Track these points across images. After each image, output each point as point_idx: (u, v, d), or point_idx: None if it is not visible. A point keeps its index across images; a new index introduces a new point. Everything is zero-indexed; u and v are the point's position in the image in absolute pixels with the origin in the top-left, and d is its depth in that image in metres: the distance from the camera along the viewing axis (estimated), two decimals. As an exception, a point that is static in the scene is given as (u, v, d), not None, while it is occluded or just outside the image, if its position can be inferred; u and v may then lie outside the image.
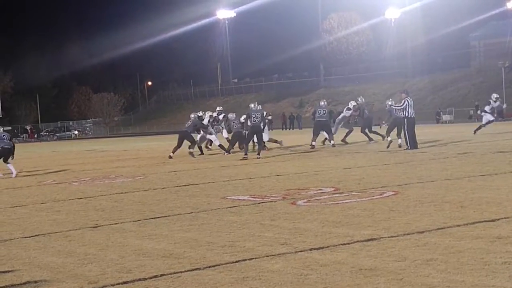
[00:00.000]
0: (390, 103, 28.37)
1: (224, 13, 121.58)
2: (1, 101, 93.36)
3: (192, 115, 28.12)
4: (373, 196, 12.22)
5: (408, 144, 24.78)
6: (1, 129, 23.55)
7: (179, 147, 27.20)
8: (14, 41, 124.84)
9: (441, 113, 77.43)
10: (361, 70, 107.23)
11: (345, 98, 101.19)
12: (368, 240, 8.17)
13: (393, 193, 12.50)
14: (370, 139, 30.49)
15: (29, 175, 22.74)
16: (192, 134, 27.82)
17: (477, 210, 9.93)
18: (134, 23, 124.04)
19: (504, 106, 33.27)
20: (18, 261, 8.14)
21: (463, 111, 79.35)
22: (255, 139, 26.20)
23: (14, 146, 23.19)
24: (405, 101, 25.12)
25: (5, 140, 22.60)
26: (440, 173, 15.92)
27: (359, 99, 31.74)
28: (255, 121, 25.23)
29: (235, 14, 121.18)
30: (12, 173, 22.47)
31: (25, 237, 9.85)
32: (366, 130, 30.85)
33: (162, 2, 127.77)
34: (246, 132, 26.41)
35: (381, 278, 6.39)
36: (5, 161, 22.72)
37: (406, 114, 24.90)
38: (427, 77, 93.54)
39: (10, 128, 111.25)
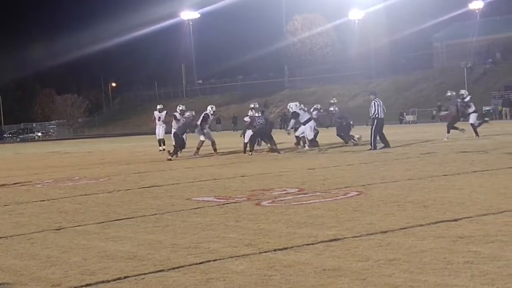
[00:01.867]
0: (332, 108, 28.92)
1: (188, 14, 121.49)
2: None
3: (187, 113, 27.68)
4: (337, 197, 12.26)
5: (372, 145, 24.95)
6: None
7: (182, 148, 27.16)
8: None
9: (404, 113, 78.03)
10: (325, 71, 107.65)
11: (309, 99, 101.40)
12: (332, 240, 8.19)
13: (357, 193, 12.56)
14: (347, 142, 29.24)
15: None
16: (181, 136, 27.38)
17: (440, 210, 10.00)
18: (98, 23, 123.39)
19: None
20: (-21, 265, 8.06)
21: (426, 112, 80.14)
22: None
23: None
24: (374, 102, 25.39)
25: None
26: (403, 173, 16.03)
27: (332, 101, 30.62)
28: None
29: (199, 15, 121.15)
30: None
31: (-13, 240, 9.75)
32: (343, 134, 29.29)
33: (126, 3, 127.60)
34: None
35: (344, 278, 6.41)
36: None
37: (376, 115, 25.12)
38: (390, 78, 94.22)
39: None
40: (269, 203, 11.97)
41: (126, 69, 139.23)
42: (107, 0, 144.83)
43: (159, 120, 33.18)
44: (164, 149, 31.50)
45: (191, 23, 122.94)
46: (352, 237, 8.32)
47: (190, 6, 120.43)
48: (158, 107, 33.97)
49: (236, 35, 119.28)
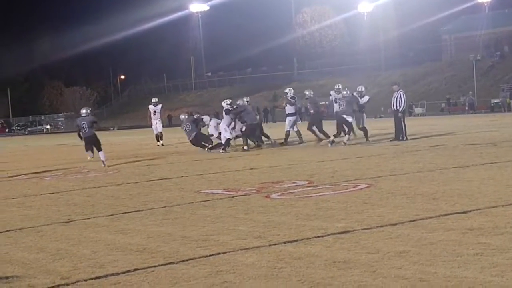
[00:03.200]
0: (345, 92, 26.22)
1: (197, 7, 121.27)
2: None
3: (240, 101, 26.89)
4: (347, 189, 12.25)
5: (405, 136, 25.03)
6: None
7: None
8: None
9: (414, 106, 77.87)
10: (334, 63, 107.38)
11: (318, 91, 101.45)
12: (342, 232, 8.18)
13: (366, 185, 12.54)
14: (320, 139, 26.74)
15: None
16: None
17: (449, 202, 9.99)
18: (106, 16, 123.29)
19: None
20: (-11, 257, 8.07)
21: (435, 104, 79.95)
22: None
23: None
24: (400, 94, 25.18)
25: None
26: (412, 165, 16.01)
27: (306, 92, 28.11)
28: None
29: (208, 8, 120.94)
30: None
31: (-4, 233, 9.77)
32: (314, 128, 26.92)
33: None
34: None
35: (354, 270, 6.40)
36: None
37: (404, 107, 25.14)
38: (399, 71, 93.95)
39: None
40: (278, 195, 11.97)
41: (135, 61, 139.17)
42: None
43: (154, 114, 32.38)
44: (162, 144, 31.31)
45: (200, 15, 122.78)
46: (362, 229, 8.30)
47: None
48: (153, 100, 33.18)
49: (245, 27, 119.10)
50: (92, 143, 22.26)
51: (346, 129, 24.72)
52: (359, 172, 15.05)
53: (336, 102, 26.70)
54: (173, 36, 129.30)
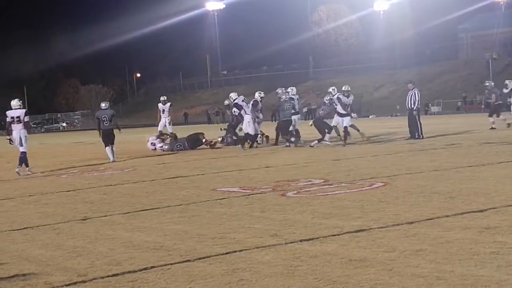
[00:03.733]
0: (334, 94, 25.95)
1: (213, 5, 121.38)
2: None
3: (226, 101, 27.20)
4: (363, 187, 12.23)
5: (421, 134, 25.19)
6: None
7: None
8: (0, 32, 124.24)
9: (430, 104, 77.65)
10: (350, 62, 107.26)
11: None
12: (358, 231, 8.17)
13: (382, 184, 12.52)
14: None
15: (15, 168, 22.60)
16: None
17: (465, 201, 9.96)
18: (123, 14, 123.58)
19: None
20: (6, 254, 8.10)
21: (451, 103, 79.71)
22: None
23: None
24: (415, 92, 25.15)
25: None
26: (428, 164, 15.96)
27: (289, 89, 27.73)
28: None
29: (224, 6, 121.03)
30: None
31: (13, 230, 9.81)
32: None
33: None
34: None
35: (370, 268, 6.40)
36: None
37: (419, 106, 25.07)
38: (415, 69, 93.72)
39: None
40: (294, 194, 11.97)
41: (151, 59, 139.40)
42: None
43: (163, 113, 31.62)
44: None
45: (216, 13, 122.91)
46: (378, 227, 8.30)
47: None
48: (162, 99, 32.59)
49: (261, 25, 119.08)
50: (109, 136, 23.21)
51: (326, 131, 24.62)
52: (375, 171, 15.03)
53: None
54: (189, 34, 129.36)
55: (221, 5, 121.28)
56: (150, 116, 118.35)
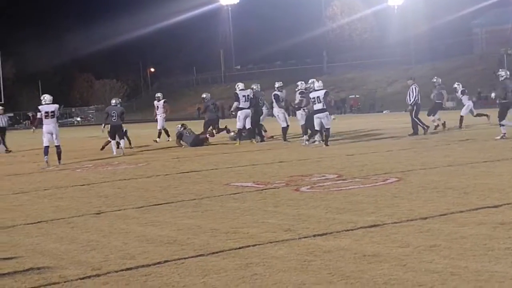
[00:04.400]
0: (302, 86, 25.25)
1: (227, 0, 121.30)
2: (3, 88, 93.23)
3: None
4: (376, 183, 12.22)
5: (424, 127, 25.28)
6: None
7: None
8: (15, 28, 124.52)
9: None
10: (364, 57, 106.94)
11: (347, 85, 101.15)
12: (372, 226, 8.17)
13: (396, 179, 12.50)
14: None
15: (31, 162, 22.74)
16: None
17: (480, 196, 9.94)
18: (137, 9, 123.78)
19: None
20: (20, 248, 8.14)
21: (466, 98, 79.29)
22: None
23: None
24: (414, 87, 25.24)
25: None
26: (442, 159, 15.93)
27: (254, 86, 27.14)
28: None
29: (238, 1, 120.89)
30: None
31: (28, 224, 9.85)
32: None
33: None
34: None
35: (384, 264, 6.39)
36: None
37: (417, 101, 25.04)
38: (429, 64, 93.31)
39: (12, 114, 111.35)
40: (308, 188, 11.96)
41: (165, 54, 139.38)
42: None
43: (157, 109, 31.28)
44: (156, 141, 30.15)
45: (229, 8, 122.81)
46: (392, 223, 8.28)
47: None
48: (157, 95, 32.31)
49: (275, 20, 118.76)
50: (116, 131, 24.03)
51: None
52: (389, 166, 15.00)
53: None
54: (203, 29, 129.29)
55: (235, 0, 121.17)
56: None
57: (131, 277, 6.52)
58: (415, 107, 25.32)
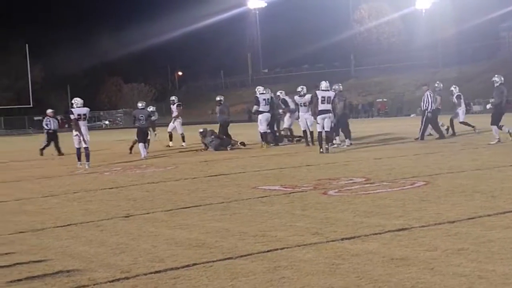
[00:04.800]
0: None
1: (255, 3, 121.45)
2: (32, 90, 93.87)
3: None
4: (404, 186, 12.20)
5: (420, 136, 25.45)
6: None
7: None
8: (45, 31, 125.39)
9: (471, 103, 76.93)
10: (391, 60, 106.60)
11: (375, 88, 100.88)
12: (399, 230, 8.16)
13: (424, 183, 12.47)
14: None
15: (60, 165, 22.90)
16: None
17: (508, 200, 9.90)
18: (164, 14, 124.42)
19: None
20: (50, 251, 8.21)
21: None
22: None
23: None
24: (428, 94, 25.31)
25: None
26: (470, 163, 15.86)
27: (278, 93, 28.03)
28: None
29: (266, 4, 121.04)
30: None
31: (57, 227, 9.93)
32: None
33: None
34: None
35: (412, 267, 6.40)
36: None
37: (431, 108, 25.02)
38: (456, 68, 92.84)
39: (41, 117, 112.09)
40: (335, 192, 11.97)
41: (193, 58, 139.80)
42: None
43: (173, 113, 30.89)
44: (168, 146, 29.66)
45: (257, 12, 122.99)
46: (420, 226, 8.28)
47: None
48: (171, 98, 31.91)
49: (302, 24, 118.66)
50: (144, 134, 24.29)
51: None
52: (416, 170, 14.97)
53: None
54: (230, 33, 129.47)
55: (262, 3, 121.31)
56: (191, 114, 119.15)
57: (160, 280, 6.57)
58: (427, 114, 25.37)
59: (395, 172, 14.66)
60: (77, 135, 21.32)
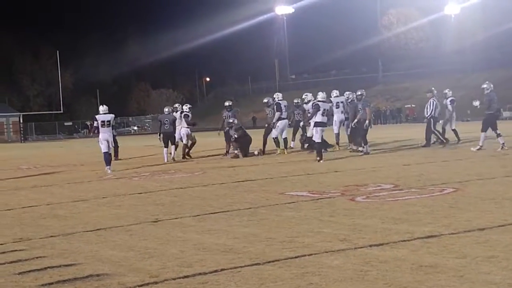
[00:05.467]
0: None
1: (283, 9, 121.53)
2: (62, 96, 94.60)
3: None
4: (433, 193, 12.13)
5: (427, 143, 25.65)
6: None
7: None
8: (75, 38, 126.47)
9: (501, 109, 76.43)
10: (420, 66, 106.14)
11: (403, 94, 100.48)
12: (429, 237, 8.12)
13: (453, 190, 12.40)
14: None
15: (90, 170, 23.05)
16: None
17: (539, 208, 9.82)
18: (193, 20, 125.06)
19: None
20: (80, 255, 8.27)
21: (523, 108, 78.28)
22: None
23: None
24: (432, 101, 25.46)
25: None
26: (500, 170, 15.75)
27: (295, 100, 27.58)
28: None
29: (293, 10, 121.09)
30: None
31: (87, 231, 9.99)
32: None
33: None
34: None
35: (441, 275, 6.36)
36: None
37: (433, 114, 25.08)
38: (486, 73, 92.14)
39: (71, 123, 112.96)
40: (363, 198, 11.93)
41: (220, 64, 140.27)
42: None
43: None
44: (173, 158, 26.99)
45: (285, 18, 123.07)
46: (449, 234, 8.23)
47: (284, 1, 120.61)
48: (174, 106, 29.59)
49: (330, 29, 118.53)
50: (169, 138, 25.01)
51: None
52: (446, 176, 14.89)
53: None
54: (258, 39, 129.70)
55: (290, 9, 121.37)
56: (219, 120, 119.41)
57: (188, 284, 6.59)
58: (432, 120, 25.53)
59: (424, 179, 14.59)
60: (104, 139, 21.84)
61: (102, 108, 22.62)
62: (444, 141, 25.66)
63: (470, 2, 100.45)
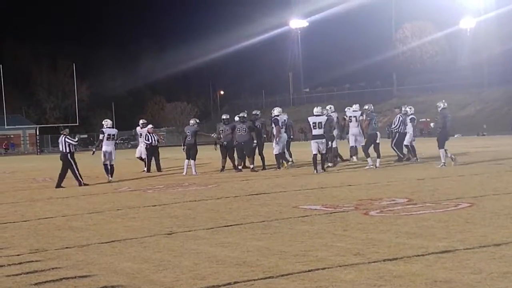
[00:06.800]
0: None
1: (297, 23, 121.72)
2: (78, 109, 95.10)
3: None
4: (448, 208, 12.09)
5: (401, 156, 26.08)
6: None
7: None
8: (90, 51, 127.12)
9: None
10: (435, 80, 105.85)
11: (418, 108, 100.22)
12: (443, 252, 8.09)
13: (468, 204, 12.36)
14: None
15: (104, 182, 23.12)
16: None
17: (555, 223, 9.77)
18: (207, 34, 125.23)
19: None
20: (95, 266, 8.30)
21: (540, 123, 77.97)
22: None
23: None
24: (399, 117, 26.30)
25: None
26: (516, 185, 15.68)
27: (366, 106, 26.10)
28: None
29: (307, 24, 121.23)
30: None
31: (102, 243, 10.03)
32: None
33: (235, 13, 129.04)
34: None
35: (456, 290, 6.34)
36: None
37: (400, 129, 26.03)
38: (502, 88, 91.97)
39: (86, 136, 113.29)
40: (377, 212, 11.91)
41: (234, 77, 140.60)
42: (216, 11, 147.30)
43: (140, 137, 30.36)
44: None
45: (299, 31, 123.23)
46: (464, 249, 8.20)
47: (298, 15, 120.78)
48: (141, 122, 31.53)
49: (344, 43, 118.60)
50: (190, 150, 25.25)
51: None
52: (460, 191, 14.84)
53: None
54: (272, 52, 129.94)
55: (304, 23, 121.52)
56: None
57: (202, 297, 6.61)
58: (397, 135, 26.08)
59: (438, 193, 14.55)
60: (106, 151, 23.52)
61: (108, 122, 24.26)
62: (403, 157, 26.06)
63: (485, 16, 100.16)
